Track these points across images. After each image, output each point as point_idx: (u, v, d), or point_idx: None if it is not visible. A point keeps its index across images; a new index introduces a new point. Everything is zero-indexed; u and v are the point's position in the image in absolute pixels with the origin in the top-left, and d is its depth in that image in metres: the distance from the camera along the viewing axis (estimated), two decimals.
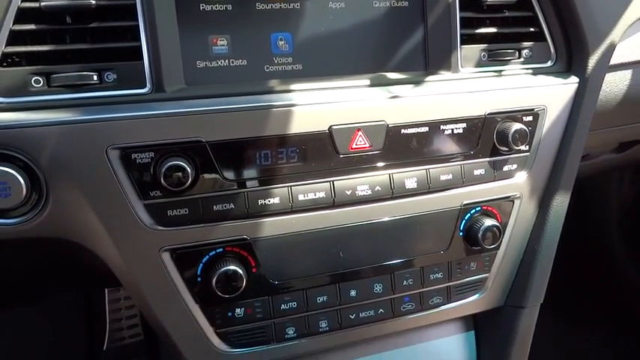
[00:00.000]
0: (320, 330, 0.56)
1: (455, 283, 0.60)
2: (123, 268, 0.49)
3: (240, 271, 0.49)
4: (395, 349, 0.64)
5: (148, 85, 0.47)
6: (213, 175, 0.48)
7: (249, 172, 0.49)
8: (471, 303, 0.62)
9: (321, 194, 0.52)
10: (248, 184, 0.49)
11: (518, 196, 0.60)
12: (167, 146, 0.46)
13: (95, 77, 0.46)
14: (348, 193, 0.53)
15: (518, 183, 0.60)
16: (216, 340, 0.53)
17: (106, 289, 1.24)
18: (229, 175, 0.49)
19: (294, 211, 0.51)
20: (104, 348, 1.30)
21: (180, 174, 0.46)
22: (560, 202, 0.63)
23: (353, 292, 0.56)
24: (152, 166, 0.46)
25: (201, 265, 0.50)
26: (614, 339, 1.44)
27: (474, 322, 0.68)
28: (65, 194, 0.46)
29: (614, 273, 1.52)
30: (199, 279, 0.50)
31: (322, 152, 0.51)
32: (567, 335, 1.39)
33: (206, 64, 0.50)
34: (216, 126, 0.48)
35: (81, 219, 0.47)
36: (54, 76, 0.45)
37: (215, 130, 0.48)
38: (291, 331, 0.55)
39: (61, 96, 0.45)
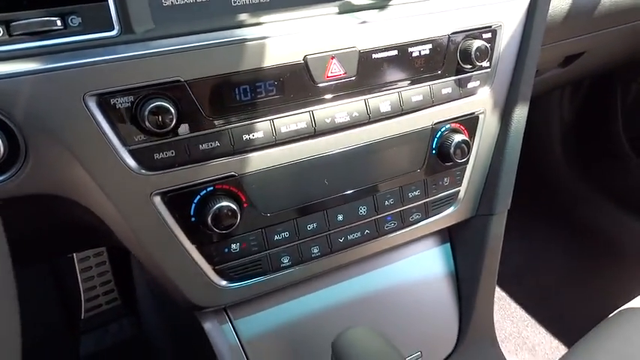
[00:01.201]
0: (312, 256, 0.58)
1: (431, 198, 0.64)
2: (116, 217, 0.49)
3: (233, 206, 0.50)
4: (380, 268, 0.68)
5: (116, 27, 0.46)
6: (196, 115, 0.48)
7: (230, 109, 0.49)
8: (447, 216, 0.66)
9: (303, 124, 0.53)
10: (231, 120, 0.50)
11: (482, 111, 0.64)
12: (146, 88, 0.46)
13: (59, 22, 0.44)
14: (328, 121, 0.54)
15: (481, 99, 0.64)
16: (215, 278, 0.54)
17: (75, 256, 1.22)
18: (212, 113, 0.49)
19: (278, 143, 0.52)
20: (82, 317, 1.29)
21: (162, 116, 0.46)
22: (520, 114, 0.67)
23: (340, 217, 0.58)
24: (133, 110, 0.46)
25: (193, 205, 0.51)
26: (562, 240, 1.59)
27: (449, 235, 0.73)
28: (45, 148, 0.44)
29: (557, 184, 1.65)
30: (193, 219, 0.51)
31: (300, 83, 0.52)
32: (526, 240, 1.52)
33: (172, 2, 0.49)
34: (193, 64, 0.47)
35: (66, 172, 0.46)
36: (14, 24, 0.42)
37: (192, 68, 0.47)
38: (285, 260, 0.57)
39: (24, 45, 0.43)
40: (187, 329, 0.94)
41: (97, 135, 0.45)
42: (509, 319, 1.44)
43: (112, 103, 0.45)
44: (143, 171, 0.48)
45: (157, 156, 0.48)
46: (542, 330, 1.43)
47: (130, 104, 0.45)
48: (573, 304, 1.45)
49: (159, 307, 1.14)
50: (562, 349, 1.36)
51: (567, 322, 1.34)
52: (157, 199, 0.49)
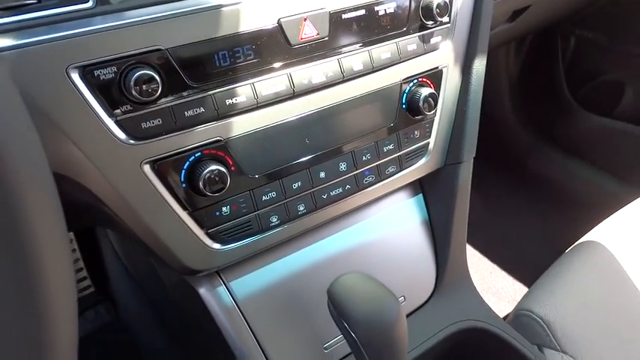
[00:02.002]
0: (299, 213, 0.61)
1: (404, 151, 0.68)
2: (108, 189, 0.49)
3: (222, 169, 0.52)
4: (361, 222, 0.72)
5: None
6: (180, 82, 0.49)
7: (212, 75, 0.51)
8: (419, 167, 0.70)
9: (282, 86, 0.55)
10: (213, 86, 0.51)
11: (445, 65, 0.68)
12: (128, 58, 0.46)
13: None
14: (305, 82, 0.56)
15: (444, 54, 0.67)
16: (208, 241, 0.56)
17: None
18: (194, 79, 0.50)
19: (260, 106, 0.54)
20: None
21: (147, 85, 0.46)
22: (479, 66, 0.71)
23: (322, 174, 0.61)
24: (117, 81, 0.46)
25: (183, 171, 0.52)
26: (516, 189, 1.69)
27: (421, 187, 0.78)
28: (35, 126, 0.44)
29: (508, 136, 1.74)
30: (184, 185, 0.52)
31: (276, 46, 0.53)
32: (483, 192, 1.61)
33: None
34: (171, 32, 0.48)
35: (53, 147, 0.46)
36: None
37: (171, 36, 0.48)
38: (274, 219, 0.59)
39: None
40: (170, 307, 0.95)
41: (83, 108, 0.45)
42: (473, 268, 1.53)
43: (95, 74, 0.45)
44: (131, 141, 0.48)
45: (144, 125, 0.48)
46: (504, 274, 1.53)
47: (113, 75, 0.46)
48: (531, 248, 1.55)
49: (136, 290, 1.14)
50: (524, 290, 1.46)
51: (527, 264, 1.44)
52: (147, 168, 0.50)
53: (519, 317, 0.88)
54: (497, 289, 1.48)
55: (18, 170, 0.24)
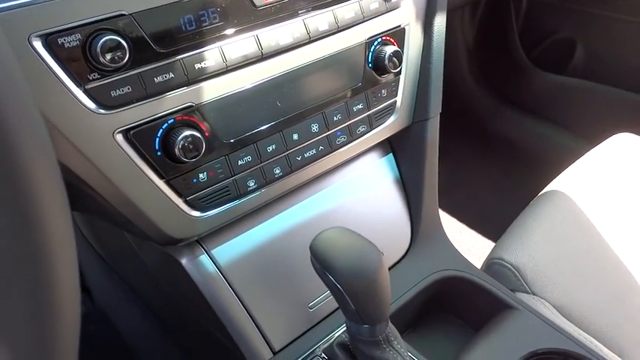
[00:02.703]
0: (275, 176, 0.62)
1: (373, 110, 0.69)
2: (82, 162, 0.48)
3: (197, 134, 0.52)
4: (336, 184, 0.73)
5: None
6: (147, 48, 0.48)
7: (179, 39, 0.50)
8: (389, 126, 0.72)
9: (250, 49, 0.55)
10: (181, 51, 0.50)
11: (407, 23, 0.69)
12: (92, 25, 0.45)
13: None
14: (273, 43, 0.56)
15: (405, 12, 0.68)
16: (187, 209, 0.56)
17: None
18: (162, 45, 0.49)
19: (230, 69, 0.54)
20: None
21: (114, 51, 0.46)
22: (439, 24, 0.73)
23: (295, 136, 0.62)
24: (83, 48, 0.45)
25: (157, 139, 0.51)
26: (480, 151, 1.74)
27: (391, 146, 0.80)
28: None
29: (468, 101, 1.78)
30: (159, 153, 0.52)
31: (241, 8, 0.53)
32: (448, 157, 1.65)
33: None
34: None
35: None
36: None
37: (136, 0, 0.47)
38: (251, 184, 0.60)
39: None
40: (151, 290, 0.95)
41: (50, 78, 0.44)
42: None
43: (59, 42, 0.44)
44: (102, 110, 0.48)
45: (113, 94, 0.48)
46: (473, 232, 1.58)
47: (78, 42, 0.45)
48: (497, 205, 1.61)
49: (111, 276, 1.13)
50: (493, 245, 1.52)
51: (494, 221, 1.49)
52: (120, 138, 0.50)
53: (491, 266, 0.92)
54: (467, 247, 1.53)
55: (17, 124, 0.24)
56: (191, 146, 0.52)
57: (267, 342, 0.64)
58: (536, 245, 0.95)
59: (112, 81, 0.47)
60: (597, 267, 0.98)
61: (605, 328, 0.85)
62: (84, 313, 1.30)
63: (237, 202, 0.60)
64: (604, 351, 0.78)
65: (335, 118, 0.65)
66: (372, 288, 0.52)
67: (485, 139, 1.77)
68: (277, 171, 0.62)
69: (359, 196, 0.75)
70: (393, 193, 0.79)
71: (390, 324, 0.57)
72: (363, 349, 0.57)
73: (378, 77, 0.68)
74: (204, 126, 0.54)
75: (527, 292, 0.87)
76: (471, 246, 1.54)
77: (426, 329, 0.79)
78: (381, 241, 0.75)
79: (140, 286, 0.99)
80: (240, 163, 0.58)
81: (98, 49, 0.45)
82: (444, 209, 1.62)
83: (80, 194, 0.53)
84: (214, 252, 0.63)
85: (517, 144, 1.70)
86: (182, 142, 0.51)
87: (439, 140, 0.79)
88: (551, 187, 1.13)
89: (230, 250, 0.64)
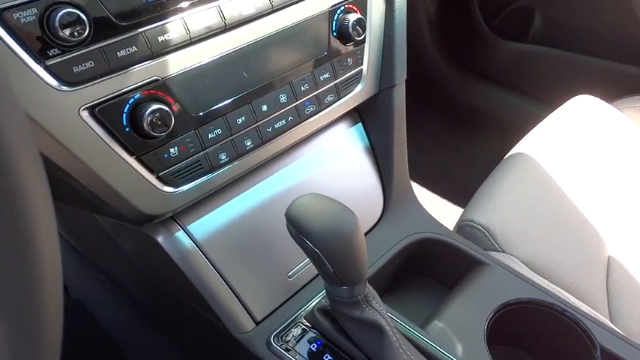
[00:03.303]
0: (247, 149, 0.62)
1: (340, 79, 0.70)
2: (50, 142, 0.48)
3: (165, 108, 0.52)
4: (307, 154, 0.74)
5: None
6: (107, 21, 0.47)
7: (140, 12, 0.49)
8: (356, 95, 0.73)
9: (213, 20, 0.54)
10: (143, 23, 0.50)
11: None
12: None
13: None
14: (236, 14, 0.56)
15: None
16: (160, 185, 0.56)
17: None
18: (122, 17, 0.48)
19: (194, 41, 0.54)
20: None
21: (72, 25, 0.45)
22: None
23: (264, 107, 0.62)
24: (40, 23, 0.44)
25: (124, 115, 0.51)
26: (447, 122, 1.77)
27: (360, 116, 0.81)
28: None
29: (433, 73, 1.81)
30: (127, 129, 0.51)
31: None
32: (416, 130, 1.67)
33: None
34: None
35: None
36: None
37: None
38: (223, 157, 0.60)
39: None
40: (127, 274, 0.94)
41: (8, 55, 0.43)
42: None
43: (15, 17, 0.43)
44: (65, 87, 0.47)
45: (75, 69, 0.47)
46: (444, 201, 1.62)
47: (35, 17, 0.44)
48: (467, 174, 1.65)
49: (83, 265, 1.11)
50: None
51: (464, 189, 1.53)
52: (86, 115, 0.49)
53: (462, 228, 0.95)
54: (440, 215, 1.56)
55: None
56: (160, 121, 0.52)
57: (248, 313, 0.65)
58: (504, 206, 0.98)
59: (73, 56, 0.47)
60: (562, 223, 1.02)
61: (571, 278, 0.89)
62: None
63: (209, 175, 0.60)
64: (571, 299, 0.82)
65: (302, 88, 0.65)
66: (348, 249, 0.54)
67: (452, 109, 1.80)
68: (248, 143, 0.62)
69: (331, 165, 0.76)
70: (363, 161, 0.80)
71: (368, 285, 0.58)
72: (343, 311, 0.58)
73: (343, 46, 0.68)
74: (172, 100, 0.54)
75: (498, 251, 0.91)
76: (443, 214, 1.57)
77: (402, 292, 0.82)
78: (355, 209, 0.76)
79: (117, 273, 0.98)
80: (210, 136, 0.58)
81: (56, 24, 0.44)
82: (415, 180, 1.65)
83: (52, 179, 0.52)
84: (190, 227, 0.63)
85: (483, 113, 1.73)
86: (150, 117, 0.51)
87: (408, 114, 0.81)
88: (515, 150, 1.16)
89: (206, 224, 0.64)
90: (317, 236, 0.53)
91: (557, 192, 1.07)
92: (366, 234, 0.78)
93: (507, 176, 1.07)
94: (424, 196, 1.62)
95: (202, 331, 0.74)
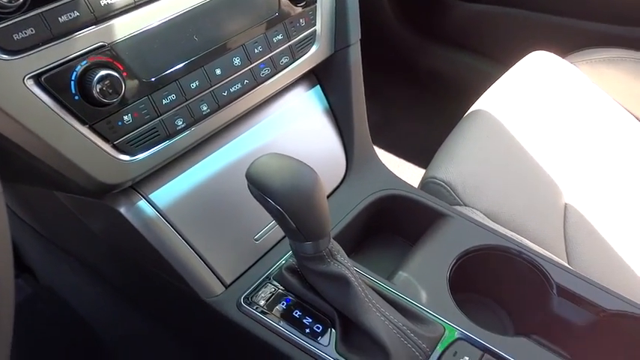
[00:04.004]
0: (203, 114, 0.62)
1: (294, 40, 0.69)
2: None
3: (114, 74, 0.51)
4: (267, 119, 0.74)
5: None
6: None
7: None
8: (311, 56, 0.73)
9: None
10: None
11: None
12: None
13: None
14: None
15: None
16: (116, 154, 0.56)
17: None
18: None
19: (139, 4, 0.53)
20: None
21: None
22: None
23: (218, 71, 0.62)
24: None
25: (72, 82, 0.50)
26: (409, 88, 1.78)
27: (317, 78, 0.81)
28: None
29: (394, 41, 1.81)
30: (77, 97, 0.51)
31: None
32: (379, 97, 1.68)
33: None
34: None
35: None
36: None
37: None
38: (179, 123, 0.60)
39: None
40: (97, 255, 0.93)
41: None
42: None
43: None
44: (5, 56, 0.45)
45: (16, 37, 0.46)
46: (410, 165, 1.65)
47: None
48: (431, 137, 1.68)
49: (51, 250, 1.10)
50: None
51: (430, 152, 1.56)
52: (32, 84, 0.48)
53: (426, 185, 0.97)
54: (406, 178, 1.59)
55: None
56: (110, 88, 0.51)
57: (217, 277, 0.66)
58: (464, 161, 1.01)
59: (12, 23, 0.45)
60: (521, 174, 1.05)
61: (529, 225, 0.92)
62: (30, 293, 1.26)
63: (167, 142, 0.59)
64: (529, 244, 0.85)
65: (256, 51, 0.65)
66: (309, 204, 0.55)
67: (413, 75, 1.81)
68: (204, 108, 0.62)
69: (291, 128, 0.77)
70: (324, 122, 0.81)
71: (332, 240, 0.60)
72: (308, 266, 0.59)
73: (294, 7, 0.68)
74: (121, 66, 0.53)
75: (460, 205, 0.94)
76: (410, 176, 1.60)
77: (369, 250, 0.84)
78: (318, 170, 0.77)
79: (84, 253, 0.97)
80: (164, 102, 0.58)
81: None
82: (380, 146, 1.67)
83: (6, 155, 0.51)
84: (152, 196, 0.63)
85: (443, 75, 1.75)
86: (100, 84, 0.50)
87: (369, 82, 0.81)
88: (474, 107, 1.19)
89: (168, 192, 0.64)
90: (278, 193, 0.54)
91: (515, 145, 1.11)
92: (330, 194, 0.80)
93: (467, 133, 1.10)
94: (391, 161, 1.65)
95: (174, 299, 0.74)
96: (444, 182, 0.95)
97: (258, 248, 0.70)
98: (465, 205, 0.93)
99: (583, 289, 0.68)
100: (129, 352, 1.02)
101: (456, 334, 0.60)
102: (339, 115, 0.81)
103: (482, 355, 0.58)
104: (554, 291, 0.68)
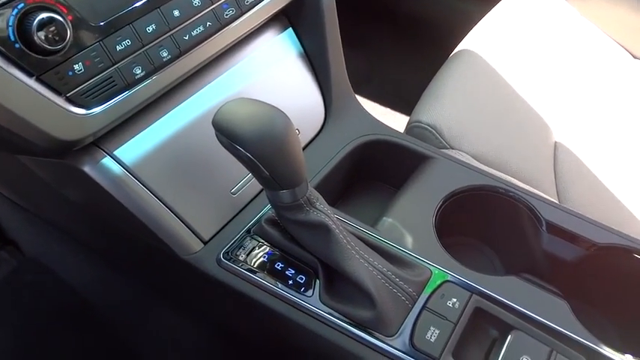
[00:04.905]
0: (164, 60, 0.57)
1: None
2: None
3: (58, 17, 0.46)
4: (238, 64, 0.69)
5: None
6: None
7: None
8: None
9: None
10: None
11: None
12: None
13: None
14: None
15: None
16: (70, 107, 0.51)
17: None
18: None
19: None
20: None
21: None
22: None
23: (176, 13, 0.57)
24: None
25: (10, 28, 0.45)
26: (392, 35, 1.71)
27: (289, 21, 0.76)
28: None
29: None
30: (17, 45, 0.46)
31: None
32: (362, 46, 1.62)
33: None
34: None
35: None
36: None
37: None
38: (138, 71, 0.55)
39: None
40: (74, 220, 0.90)
41: None
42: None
43: None
44: None
45: None
46: (396, 113, 1.61)
47: None
48: (416, 82, 1.63)
49: (33, 222, 1.07)
50: None
51: (413, 95, 1.52)
52: None
53: (411, 130, 0.94)
54: (393, 126, 1.56)
55: None
56: (54, 33, 0.46)
57: (194, 234, 0.63)
58: (450, 103, 0.97)
59: None
60: (509, 114, 1.02)
61: (519, 165, 0.90)
62: (16, 266, 1.24)
63: (126, 93, 0.55)
64: (518, 183, 0.83)
65: None
66: (283, 149, 0.51)
67: (393, 18, 1.75)
68: (164, 54, 0.57)
69: (264, 75, 0.72)
70: (299, 68, 0.76)
71: (310, 187, 0.57)
72: (287, 216, 0.57)
73: None
74: (64, 8, 0.48)
75: (447, 148, 0.91)
76: (397, 125, 1.57)
77: (353, 198, 0.81)
78: (295, 118, 0.73)
79: (62, 221, 0.94)
80: (119, 48, 0.53)
81: None
82: (366, 96, 1.63)
83: None
84: (118, 153, 0.59)
85: (425, 19, 1.69)
86: (43, 30, 0.46)
87: (349, 32, 0.76)
88: (459, 48, 1.14)
89: (135, 148, 0.60)
90: (248, 140, 0.50)
91: (502, 85, 1.07)
92: (309, 142, 0.76)
93: (452, 74, 1.06)
94: (376, 109, 1.61)
95: (154, 261, 0.72)
96: (429, 125, 0.92)
97: (235, 202, 0.67)
98: (452, 148, 0.90)
99: (573, 224, 0.66)
100: (118, 316, 1.01)
101: (444, 277, 0.59)
102: (315, 59, 0.77)
103: (471, 296, 0.57)
104: (544, 228, 0.66)
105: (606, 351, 0.54)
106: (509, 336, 0.54)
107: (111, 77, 0.53)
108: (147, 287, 0.86)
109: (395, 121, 1.57)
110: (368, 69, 1.68)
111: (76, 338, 1.06)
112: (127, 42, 0.53)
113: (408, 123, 0.96)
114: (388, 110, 1.60)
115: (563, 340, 0.55)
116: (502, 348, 0.54)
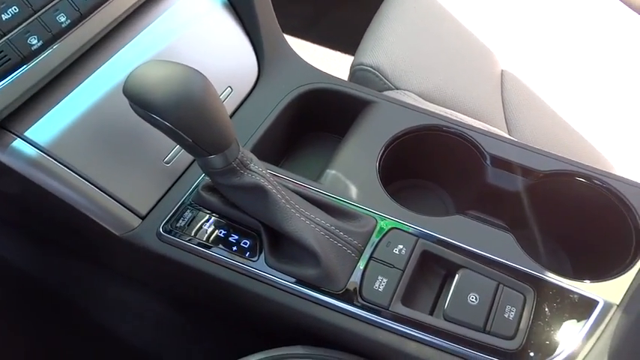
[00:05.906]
0: (63, 26, 0.52)
1: None
2: None
3: None
4: (154, 24, 0.64)
5: None
6: None
7: None
8: None
9: None
10: None
11: None
12: None
13: None
14: None
15: None
16: None
17: None
18: None
19: None
20: None
21: None
22: None
23: None
24: None
25: None
26: None
27: None
28: None
29: None
30: None
31: None
32: None
33: None
34: None
35: None
36: None
37: None
38: (34, 41, 0.50)
39: None
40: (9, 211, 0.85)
41: None
42: None
43: None
44: None
45: None
46: (347, 57, 1.56)
47: None
48: (365, 25, 1.57)
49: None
50: None
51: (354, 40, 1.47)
52: None
53: (354, 74, 0.91)
54: (340, 70, 1.52)
55: None
56: None
57: (129, 209, 0.60)
58: (392, 44, 0.94)
59: None
60: (452, 48, 0.99)
61: (465, 98, 0.88)
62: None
63: (25, 67, 0.50)
64: (464, 118, 0.82)
65: None
66: (203, 113, 0.48)
67: None
68: (62, 19, 0.52)
69: (185, 32, 0.67)
70: (224, 20, 0.71)
71: (243, 149, 0.54)
72: (221, 182, 0.54)
73: None
74: None
75: (392, 89, 0.88)
76: (340, 71, 1.53)
77: (299, 152, 0.79)
78: (227, 76, 0.70)
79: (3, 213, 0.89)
80: (5, 17, 0.47)
81: None
82: (313, 40, 1.57)
83: None
84: (29, 134, 0.54)
85: None
86: None
87: None
88: None
89: (49, 126, 0.55)
90: (163, 107, 0.47)
91: (443, 18, 1.03)
92: (244, 99, 0.72)
93: (392, 12, 1.01)
94: (325, 53, 1.55)
95: (95, 241, 0.69)
96: (371, 67, 0.89)
97: (170, 172, 0.64)
98: (397, 89, 0.88)
99: (516, 155, 0.65)
100: (71, 296, 0.98)
101: (389, 224, 0.58)
102: (240, 8, 0.72)
103: (417, 240, 0.56)
104: (488, 162, 0.65)
105: (554, 279, 0.55)
106: (457, 275, 0.54)
107: (2, 51, 0.48)
108: (95, 267, 0.83)
109: (347, 63, 1.53)
110: (313, 11, 1.61)
111: (33, 322, 1.03)
112: (14, 9, 0.48)
113: (351, 67, 0.93)
114: (338, 54, 1.55)
115: (510, 273, 0.55)
116: (450, 288, 0.54)
